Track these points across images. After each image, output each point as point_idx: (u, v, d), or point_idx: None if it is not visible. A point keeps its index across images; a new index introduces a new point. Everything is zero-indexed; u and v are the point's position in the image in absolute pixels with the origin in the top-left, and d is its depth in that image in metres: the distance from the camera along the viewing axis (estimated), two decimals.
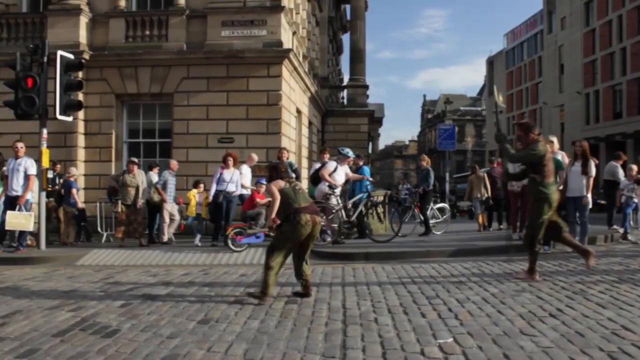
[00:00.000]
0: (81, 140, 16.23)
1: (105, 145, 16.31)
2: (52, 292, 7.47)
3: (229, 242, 11.65)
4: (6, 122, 15.42)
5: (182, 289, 7.45)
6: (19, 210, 11.66)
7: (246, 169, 13.43)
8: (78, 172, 15.55)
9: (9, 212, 11.61)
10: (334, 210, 12.11)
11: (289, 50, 16.14)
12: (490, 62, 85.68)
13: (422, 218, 13.91)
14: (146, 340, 4.97)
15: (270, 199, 11.89)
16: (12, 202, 11.77)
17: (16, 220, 11.61)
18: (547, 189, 7.40)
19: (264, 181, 12.22)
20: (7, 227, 11.77)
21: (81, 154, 16.20)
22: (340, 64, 48.65)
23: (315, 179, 12.69)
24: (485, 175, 15.36)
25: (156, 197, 13.20)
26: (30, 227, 11.75)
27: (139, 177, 12.92)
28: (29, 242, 12.34)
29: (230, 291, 7.26)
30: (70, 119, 12.92)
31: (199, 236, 13.01)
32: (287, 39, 16.93)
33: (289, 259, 6.87)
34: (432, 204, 14.41)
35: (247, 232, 11.68)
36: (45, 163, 12.16)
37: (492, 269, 8.50)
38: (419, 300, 6.34)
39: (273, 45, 15.82)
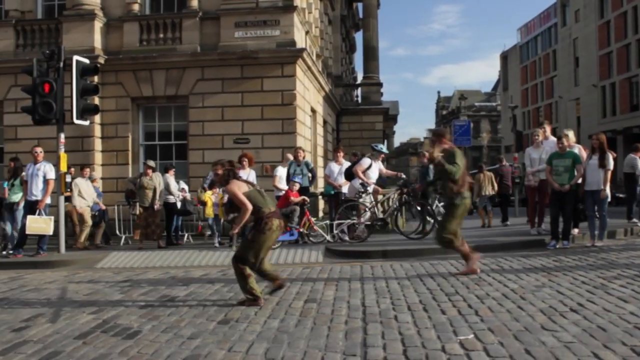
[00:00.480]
0: (98, 144, 16.36)
1: (122, 149, 16.42)
2: (74, 295, 7.55)
3: None
4: (24, 127, 15.66)
5: (201, 290, 7.48)
6: (38, 214, 11.78)
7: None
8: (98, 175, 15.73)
9: (29, 217, 11.74)
10: (367, 208, 12.14)
11: (303, 49, 16.15)
12: (505, 57, 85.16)
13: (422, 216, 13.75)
14: (167, 341, 5.00)
15: (297, 199, 12.10)
16: (32, 207, 11.90)
17: (36, 225, 11.73)
18: (463, 199, 7.82)
19: (297, 179, 12.42)
20: (27, 232, 11.90)
21: (98, 157, 16.32)
22: (353, 62, 48.54)
23: (349, 175, 12.76)
24: (492, 172, 15.44)
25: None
26: (50, 231, 11.87)
27: (156, 180, 13.00)
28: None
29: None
30: (87, 123, 13.03)
31: (217, 237, 13.07)
32: (300, 39, 16.94)
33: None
34: (436, 202, 14.32)
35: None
36: (63, 167, 12.27)
37: (511, 265, 8.45)
38: (438, 297, 6.32)
39: (286, 45, 15.84)
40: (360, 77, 37.79)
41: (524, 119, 71.71)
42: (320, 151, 21.80)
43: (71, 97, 12.08)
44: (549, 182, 10.50)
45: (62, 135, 12.35)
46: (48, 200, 12.09)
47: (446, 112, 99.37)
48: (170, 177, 13.61)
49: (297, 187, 12.35)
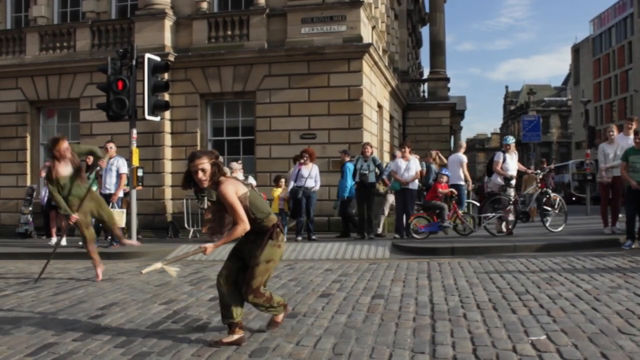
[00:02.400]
0: (168, 139, 16.75)
1: (190, 144, 16.74)
2: (145, 285, 7.75)
3: (411, 230, 12.19)
4: (99, 123, 16.22)
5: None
6: (112, 207, 12.17)
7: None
8: (168, 170, 16.11)
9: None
10: (510, 202, 12.09)
11: (369, 45, 16.06)
12: (576, 50, 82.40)
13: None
14: None
15: (447, 190, 12.29)
16: (105, 200, 12.31)
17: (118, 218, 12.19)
18: None
19: (445, 171, 12.91)
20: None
21: (168, 152, 16.72)
22: (420, 58, 48.03)
23: (490, 169, 12.97)
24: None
25: None
26: (122, 223, 12.23)
27: None
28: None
29: (316, 286, 7.28)
30: (158, 119, 13.36)
31: (284, 231, 13.18)
32: (367, 34, 16.85)
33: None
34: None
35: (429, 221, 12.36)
36: (136, 162, 12.63)
37: (584, 264, 8.13)
38: (508, 296, 6.15)
39: (353, 40, 15.79)
40: (426, 73, 37.41)
41: (596, 114, 69.25)
42: (386, 147, 21.66)
43: (143, 93, 12.42)
44: (625, 179, 10.10)
45: (135, 131, 12.72)
46: (121, 194, 12.49)
47: (514, 107, 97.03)
48: (236, 171, 13.76)
49: (445, 179, 12.68)
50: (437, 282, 7.19)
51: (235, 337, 4.69)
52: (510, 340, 4.52)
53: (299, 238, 12.70)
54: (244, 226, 4.51)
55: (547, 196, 12.62)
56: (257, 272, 4.64)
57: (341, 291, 6.76)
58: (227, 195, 4.47)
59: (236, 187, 4.57)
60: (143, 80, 12.41)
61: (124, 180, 12.49)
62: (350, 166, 13.15)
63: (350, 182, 13.14)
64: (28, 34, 18.24)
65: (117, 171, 12.44)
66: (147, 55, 12.66)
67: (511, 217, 12.30)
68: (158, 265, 4.65)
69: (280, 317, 5.01)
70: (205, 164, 4.50)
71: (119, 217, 12.09)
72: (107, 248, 12.14)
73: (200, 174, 4.50)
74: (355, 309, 5.82)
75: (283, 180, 13.63)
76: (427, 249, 10.60)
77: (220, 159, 4.68)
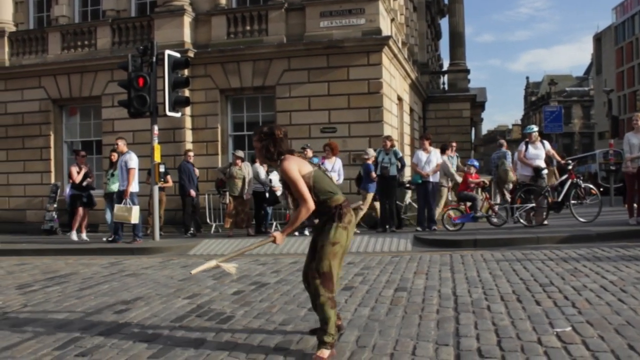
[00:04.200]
0: (189, 135, 16.83)
1: (211, 139, 16.82)
2: (169, 280, 7.81)
3: (444, 221, 12.25)
4: (120, 120, 16.37)
5: (291, 277, 7.55)
6: (124, 203, 12.34)
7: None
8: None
9: (116, 205, 12.46)
10: (542, 192, 12.06)
11: (388, 37, 15.97)
12: (598, 39, 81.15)
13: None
14: (259, 327, 5.07)
15: (478, 180, 12.30)
16: (120, 196, 12.50)
17: (120, 213, 12.38)
18: None
19: (474, 162, 13.03)
20: (114, 220, 12.63)
21: (189, 148, 16.77)
22: (439, 49, 47.72)
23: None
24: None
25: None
26: (131, 219, 12.36)
27: (245, 170, 13.25)
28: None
29: (339, 279, 7.24)
30: (178, 115, 13.42)
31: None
32: (386, 27, 16.77)
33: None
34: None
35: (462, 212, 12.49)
36: (157, 158, 12.72)
37: (609, 255, 8.00)
38: (532, 287, 6.09)
39: (372, 33, 15.71)
40: (446, 64, 37.16)
41: (620, 103, 68.23)
42: (407, 139, 21.56)
43: (163, 90, 12.48)
44: None
45: (156, 127, 12.80)
46: (134, 189, 12.55)
47: (535, 98, 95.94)
48: (260, 166, 13.81)
49: (473, 170, 12.78)
50: (459, 274, 7.15)
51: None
52: (535, 332, 4.48)
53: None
54: (307, 206, 4.19)
55: (579, 187, 12.48)
56: (322, 254, 4.24)
57: (364, 284, 6.75)
58: (289, 172, 4.21)
59: (300, 165, 4.29)
60: (163, 77, 12.49)
61: (132, 175, 12.45)
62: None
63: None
64: (50, 33, 18.44)
65: (126, 166, 12.49)
66: (167, 52, 12.72)
67: (543, 208, 12.16)
68: (212, 263, 4.38)
69: (326, 353, 4.13)
70: (255, 141, 4.43)
71: (129, 213, 12.30)
72: (131, 243, 12.27)
73: (256, 150, 4.48)
74: (378, 301, 5.81)
75: None
76: (449, 241, 10.54)
77: (283, 134, 4.44)
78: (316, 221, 4.47)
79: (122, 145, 12.78)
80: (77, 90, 17.95)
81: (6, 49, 18.80)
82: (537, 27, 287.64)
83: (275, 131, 4.37)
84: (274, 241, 4.35)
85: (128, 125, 16.19)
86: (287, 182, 4.26)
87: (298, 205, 4.27)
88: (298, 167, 4.24)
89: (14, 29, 19.12)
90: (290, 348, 4.43)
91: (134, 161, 12.52)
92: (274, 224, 14.40)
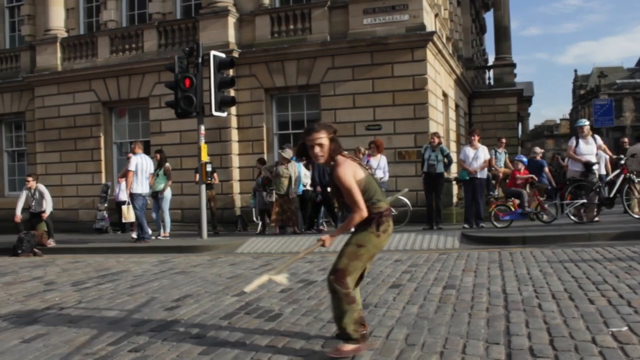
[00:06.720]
0: (235, 135, 16.99)
1: (257, 138, 16.95)
2: (217, 278, 7.91)
3: (492, 218, 12.20)
4: (167, 121, 16.66)
5: None
6: (127, 204, 13.13)
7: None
8: (235, 164, 16.38)
9: (123, 207, 13.27)
10: (593, 188, 11.86)
11: (433, 33, 15.80)
12: None
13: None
14: (308, 324, 5.09)
15: (526, 176, 12.24)
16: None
17: (126, 214, 13.21)
18: None
19: (522, 158, 13.02)
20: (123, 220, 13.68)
21: (235, 147, 16.96)
22: (484, 44, 46.97)
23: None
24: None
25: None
26: (125, 218, 13.35)
27: (291, 169, 13.30)
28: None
29: (386, 277, 7.24)
30: (224, 114, 13.56)
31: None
32: (430, 22, 16.60)
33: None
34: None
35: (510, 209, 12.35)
36: (204, 157, 12.91)
37: None
38: (584, 285, 5.94)
39: (416, 29, 15.58)
40: (491, 59, 36.53)
41: None
42: (452, 136, 21.31)
43: (209, 90, 12.63)
44: None
45: (203, 127, 12.98)
46: (138, 190, 12.87)
47: (584, 91, 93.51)
48: (301, 165, 13.83)
49: (521, 166, 12.69)
50: (509, 271, 7.03)
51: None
52: (589, 332, 4.37)
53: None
54: (361, 213, 4.05)
55: (632, 181, 12.13)
56: (344, 252, 4.19)
57: (412, 282, 6.70)
58: (345, 179, 4.02)
59: (354, 170, 4.11)
60: (209, 77, 12.63)
61: (129, 177, 12.87)
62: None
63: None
64: (99, 37, 18.88)
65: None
66: (213, 53, 12.86)
67: (594, 204, 11.88)
68: (264, 278, 4.25)
69: (347, 347, 4.10)
70: (324, 138, 4.12)
71: (129, 213, 13.02)
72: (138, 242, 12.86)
73: (318, 149, 4.12)
74: (426, 299, 5.76)
75: None
76: (497, 239, 10.38)
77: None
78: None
79: (136, 148, 13.42)
80: (125, 92, 18.34)
81: (58, 54, 19.36)
82: (585, 18, 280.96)
83: (336, 130, 4.26)
84: (322, 245, 4.30)
85: (175, 126, 16.49)
86: (341, 188, 4.09)
87: (343, 204, 4.21)
88: (353, 172, 4.09)
89: (65, 34, 19.64)
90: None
91: (133, 163, 12.88)
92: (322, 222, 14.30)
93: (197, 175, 13.36)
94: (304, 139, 4.21)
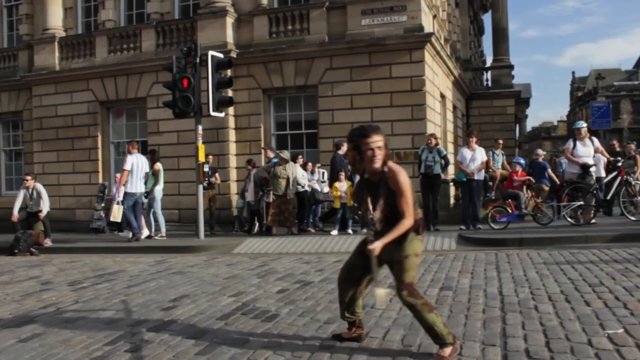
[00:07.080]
0: (232, 135, 16.98)
1: (254, 139, 16.94)
2: (214, 278, 7.90)
3: (489, 220, 12.17)
4: (165, 121, 16.66)
5: (335, 276, 7.46)
6: (117, 204, 13.11)
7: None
8: (233, 165, 16.35)
9: (113, 206, 13.21)
10: (590, 190, 11.90)
11: (431, 34, 15.81)
12: None
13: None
14: (305, 325, 5.10)
15: (524, 178, 12.30)
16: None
17: (116, 213, 13.18)
18: None
19: (520, 160, 13.07)
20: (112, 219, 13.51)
21: (232, 147, 16.95)
22: (482, 45, 47.04)
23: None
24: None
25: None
26: (113, 218, 13.28)
27: (289, 170, 13.30)
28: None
29: (383, 278, 7.22)
30: (222, 115, 13.54)
31: (350, 223, 13.21)
32: (428, 23, 16.61)
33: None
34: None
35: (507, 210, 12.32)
36: (202, 157, 12.91)
37: None
38: (581, 287, 5.96)
39: (414, 30, 15.59)
40: (489, 61, 36.56)
41: None
42: (450, 137, 21.34)
43: (207, 90, 12.62)
44: None
45: (200, 127, 12.97)
46: (131, 190, 12.96)
47: (582, 93, 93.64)
48: (297, 166, 13.83)
49: (518, 167, 12.77)
50: (505, 273, 7.05)
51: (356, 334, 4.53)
52: (585, 334, 4.39)
53: (364, 230, 12.66)
54: (411, 220, 4.00)
55: (629, 184, 12.14)
56: (407, 265, 4.08)
57: None
58: (406, 186, 3.99)
59: (406, 176, 4.07)
60: (207, 77, 12.61)
61: (123, 176, 12.96)
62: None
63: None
64: (97, 37, 18.85)
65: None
66: (211, 53, 12.86)
67: (591, 206, 11.91)
68: (384, 290, 4.28)
69: (447, 350, 4.04)
70: (381, 141, 4.02)
71: (117, 212, 13.03)
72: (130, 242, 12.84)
73: (376, 152, 3.99)
74: None
75: (342, 173, 13.49)
76: (494, 240, 10.40)
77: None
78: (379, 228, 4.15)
79: (130, 148, 13.45)
80: (123, 92, 18.33)
81: (56, 53, 19.33)
82: (583, 20, 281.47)
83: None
84: (374, 253, 4.06)
85: (173, 126, 16.47)
86: (399, 194, 3.99)
87: (375, 208, 4.12)
88: (409, 181, 4.06)
89: (63, 34, 19.61)
90: (335, 346, 4.44)
91: (128, 163, 12.92)
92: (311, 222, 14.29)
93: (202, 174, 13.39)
94: (356, 142, 4.07)
